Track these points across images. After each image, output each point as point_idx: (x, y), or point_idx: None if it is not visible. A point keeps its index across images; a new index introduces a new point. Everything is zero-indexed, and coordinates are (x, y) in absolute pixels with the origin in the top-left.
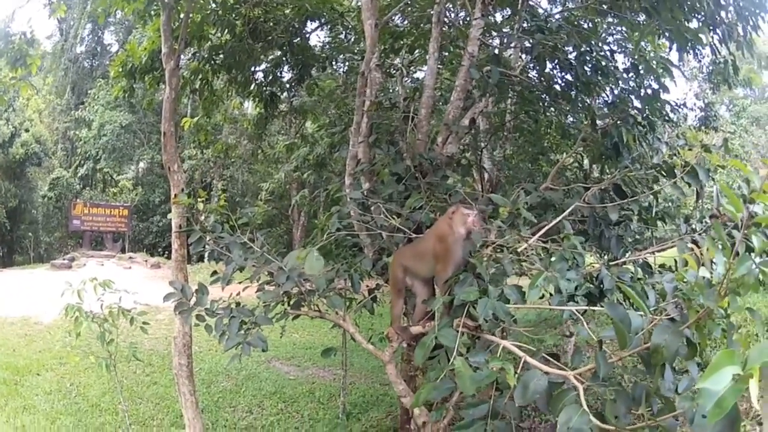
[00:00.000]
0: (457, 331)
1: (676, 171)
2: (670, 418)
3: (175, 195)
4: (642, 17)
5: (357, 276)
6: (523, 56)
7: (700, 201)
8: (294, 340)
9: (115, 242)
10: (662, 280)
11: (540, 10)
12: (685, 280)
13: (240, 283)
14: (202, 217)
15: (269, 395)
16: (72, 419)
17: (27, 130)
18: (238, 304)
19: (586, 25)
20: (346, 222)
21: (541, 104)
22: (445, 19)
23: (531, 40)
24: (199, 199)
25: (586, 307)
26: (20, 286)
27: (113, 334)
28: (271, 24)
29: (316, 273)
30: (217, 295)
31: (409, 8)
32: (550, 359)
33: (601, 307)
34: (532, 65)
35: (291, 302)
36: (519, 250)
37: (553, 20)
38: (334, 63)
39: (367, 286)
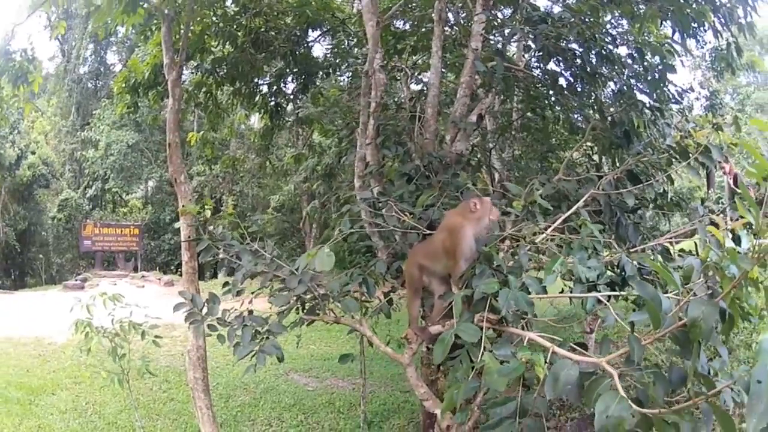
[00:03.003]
0: (479, 326)
1: (689, 152)
2: (717, 393)
3: (183, 206)
4: (642, 8)
5: (371, 280)
6: (526, 56)
7: (711, 189)
8: (311, 351)
9: (127, 261)
10: (685, 263)
11: (541, 7)
12: (710, 258)
13: (252, 293)
14: (211, 227)
15: (288, 407)
16: None
17: (33, 152)
18: (250, 312)
19: (588, 18)
20: (359, 225)
21: (547, 100)
22: (449, 19)
23: (533, 32)
24: (206, 208)
25: (611, 293)
26: (33, 307)
27: (125, 349)
28: (273, 34)
29: (326, 269)
30: (229, 306)
31: (410, 9)
32: (578, 348)
33: (626, 292)
34: (536, 60)
35: (305, 308)
36: (536, 241)
37: (555, 12)
38: (337, 70)
39: (382, 291)
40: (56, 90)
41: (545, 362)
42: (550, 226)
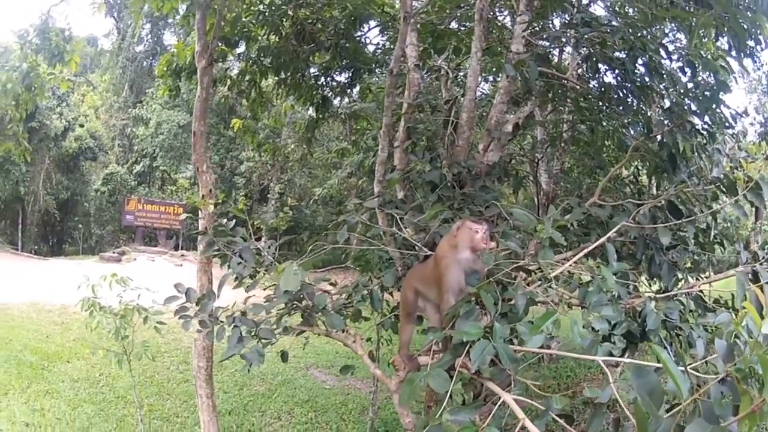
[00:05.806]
0: (453, 373)
1: (737, 186)
2: None
3: (203, 196)
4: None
5: (377, 293)
6: (582, 65)
7: (759, 222)
8: (337, 348)
9: (168, 239)
10: (716, 322)
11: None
12: (741, 326)
13: (265, 289)
14: (225, 220)
15: (301, 403)
16: (94, 408)
17: (81, 125)
18: (244, 313)
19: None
20: (373, 233)
21: (598, 114)
22: (496, 22)
23: (576, 36)
24: (209, 201)
25: (615, 359)
26: (65, 275)
27: (128, 331)
28: (319, 26)
29: (292, 289)
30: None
31: (447, 6)
32: (560, 421)
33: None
34: (587, 71)
35: (302, 316)
36: (548, 277)
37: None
38: (385, 67)
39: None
40: (110, 66)
41: None
42: (571, 258)
